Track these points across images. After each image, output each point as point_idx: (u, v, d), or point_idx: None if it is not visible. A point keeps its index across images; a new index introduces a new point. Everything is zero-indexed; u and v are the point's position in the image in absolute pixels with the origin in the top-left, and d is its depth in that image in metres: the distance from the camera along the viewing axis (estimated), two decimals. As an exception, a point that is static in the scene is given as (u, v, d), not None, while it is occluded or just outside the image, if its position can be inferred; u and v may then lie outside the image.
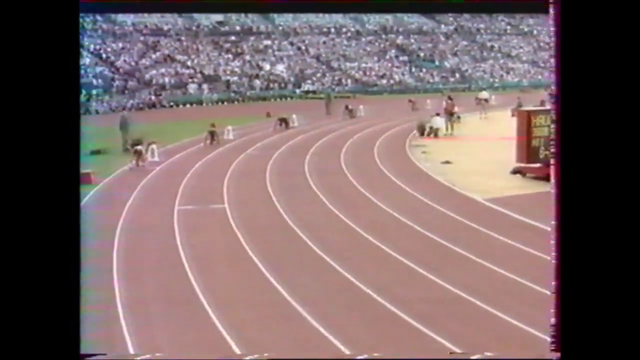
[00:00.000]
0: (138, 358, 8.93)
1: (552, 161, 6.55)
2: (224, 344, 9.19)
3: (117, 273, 12.41)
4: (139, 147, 24.97)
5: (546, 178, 20.38)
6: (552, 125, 6.59)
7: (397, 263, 12.91)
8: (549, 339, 6.40)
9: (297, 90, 65.44)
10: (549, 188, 19.27)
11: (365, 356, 8.65)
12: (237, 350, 8.96)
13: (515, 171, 21.68)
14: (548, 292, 10.63)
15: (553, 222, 6.37)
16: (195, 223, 16.31)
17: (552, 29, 6.41)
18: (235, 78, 65.75)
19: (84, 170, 20.72)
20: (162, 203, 18.53)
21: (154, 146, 26.31)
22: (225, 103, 59.06)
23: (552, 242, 6.37)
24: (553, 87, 6.45)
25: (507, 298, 10.89)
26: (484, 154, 25.94)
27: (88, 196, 19.17)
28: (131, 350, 9.04)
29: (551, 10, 6.40)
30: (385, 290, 11.18)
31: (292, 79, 68.21)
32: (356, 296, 11.14)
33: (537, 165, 20.77)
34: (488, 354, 8.68)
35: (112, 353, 8.73)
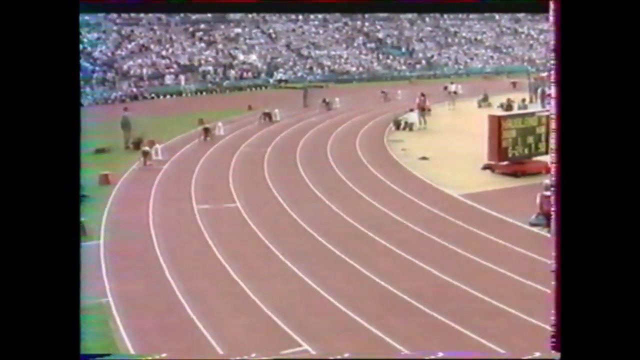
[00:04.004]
0: (138, 358, 9.92)
1: (549, 158, 6.58)
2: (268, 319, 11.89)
3: (167, 269, 14.95)
4: (146, 148, 27.32)
5: (513, 174, 23.38)
6: (552, 130, 6.60)
7: (394, 254, 15.67)
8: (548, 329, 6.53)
9: (271, 80, 67.63)
10: (516, 184, 22.22)
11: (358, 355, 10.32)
12: (283, 326, 11.65)
13: (486, 167, 24.51)
14: (519, 278, 13.56)
15: (553, 224, 6.52)
16: (216, 221, 18.86)
17: (551, 28, 6.38)
18: (210, 68, 67.66)
19: (102, 172, 23.32)
20: (180, 203, 20.99)
21: (157, 146, 28.66)
22: (204, 93, 61.12)
23: (552, 243, 6.46)
24: (553, 88, 6.43)
25: (488, 282, 13.72)
26: (457, 149, 28.75)
27: (111, 197, 21.68)
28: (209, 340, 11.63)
29: (551, 10, 6.41)
30: (389, 277, 13.98)
31: (264, 67, 70.39)
32: (365, 281, 13.91)
33: (506, 163, 23.72)
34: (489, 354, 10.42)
35: (112, 353, 9.68)
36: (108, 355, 9.58)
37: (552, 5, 6.40)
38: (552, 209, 6.51)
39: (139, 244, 16.97)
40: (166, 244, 16.83)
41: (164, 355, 10.42)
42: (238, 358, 10.47)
